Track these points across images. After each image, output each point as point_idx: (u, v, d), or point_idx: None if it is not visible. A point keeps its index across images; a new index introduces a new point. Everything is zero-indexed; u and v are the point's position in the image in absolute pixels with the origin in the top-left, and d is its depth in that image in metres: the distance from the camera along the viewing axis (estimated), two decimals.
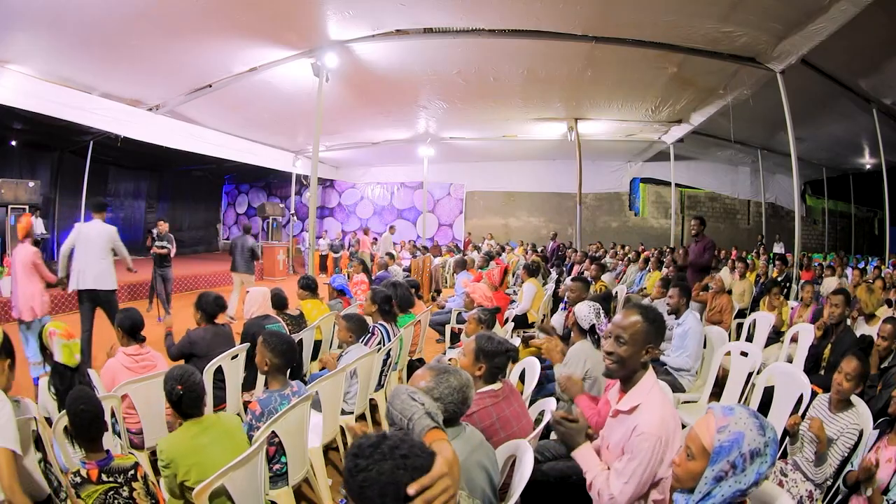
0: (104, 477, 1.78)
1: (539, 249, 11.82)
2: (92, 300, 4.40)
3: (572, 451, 1.75)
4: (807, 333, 3.73)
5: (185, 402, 1.96)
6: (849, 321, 3.72)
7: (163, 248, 6.98)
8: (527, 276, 5.82)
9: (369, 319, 3.63)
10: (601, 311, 2.83)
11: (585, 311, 2.83)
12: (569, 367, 2.74)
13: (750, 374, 2.98)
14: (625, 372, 1.70)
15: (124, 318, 2.83)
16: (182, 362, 2.84)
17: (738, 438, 1.20)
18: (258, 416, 2.23)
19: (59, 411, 2.17)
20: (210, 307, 3.32)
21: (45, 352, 2.30)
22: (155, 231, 7.37)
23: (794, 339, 3.90)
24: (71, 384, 2.24)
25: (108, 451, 1.86)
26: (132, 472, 1.84)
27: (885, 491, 1.88)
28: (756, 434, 1.20)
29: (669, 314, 3.66)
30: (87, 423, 1.81)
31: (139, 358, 2.80)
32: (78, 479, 1.76)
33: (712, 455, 1.21)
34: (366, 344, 3.30)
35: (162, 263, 7.01)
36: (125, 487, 1.80)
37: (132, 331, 2.83)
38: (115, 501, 1.78)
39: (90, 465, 1.78)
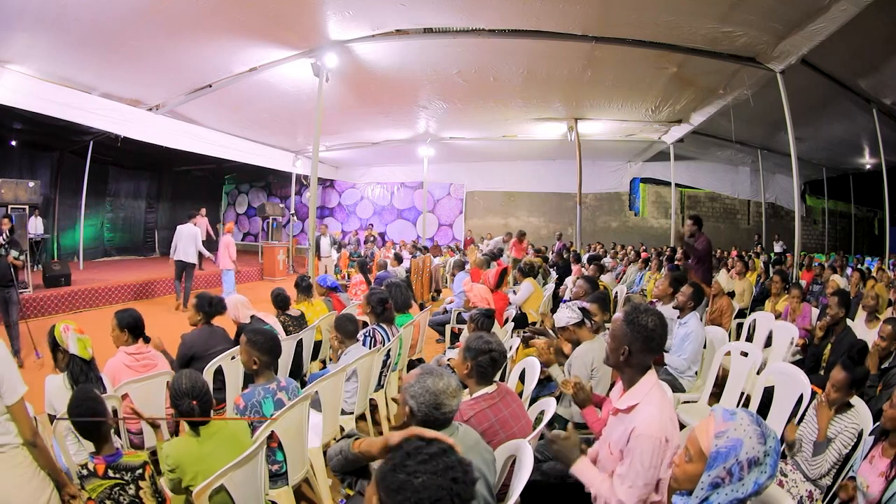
0: (111, 473, 1.80)
1: (539, 250, 11.80)
2: (182, 268, 7.71)
3: (569, 467, 1.73)
4: (785, 332, 3.87)
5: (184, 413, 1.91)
6: (848, 321, 3.73)
7: (18, 258, 4.71)
8: (521, 277, 5.81)
9: (369, 320, 3.63)
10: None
11: (567, 314, 2.97)
12: (575, 367, 2.75)
13: (750, 375, 2.98)
14: (610, 363, 1.77)
15: (125, 318, 2.82)
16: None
17: (736, 445, 1.16)
18: (242, 409, 2.22)
19: None
20: (205, 307, 3.30)
21: (59, 349, 2.33)
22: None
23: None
24: (86, 377, 2.29)
25: (117, 449, 1.87)
26: (140, 470, 1.86)
27: None
28: (755, 442, 1.15)
29: (674, 308, 3.67)
30: (88, 421, 1.83)
31: (140, 357, 2.80)
32: (85, 472, 1.78)
33: (709, 460, 1.18)
34: (364, 344, 3.30)
35: (12, 281, 4.64)
36: (132, 485, 1.82)
37: (134, 329, 2.82)
38: (121, 498, 1.79)
39: (98, 460, 1.81)
